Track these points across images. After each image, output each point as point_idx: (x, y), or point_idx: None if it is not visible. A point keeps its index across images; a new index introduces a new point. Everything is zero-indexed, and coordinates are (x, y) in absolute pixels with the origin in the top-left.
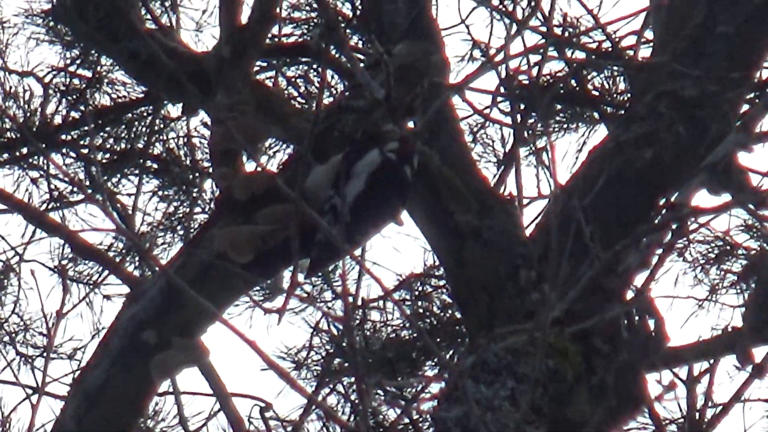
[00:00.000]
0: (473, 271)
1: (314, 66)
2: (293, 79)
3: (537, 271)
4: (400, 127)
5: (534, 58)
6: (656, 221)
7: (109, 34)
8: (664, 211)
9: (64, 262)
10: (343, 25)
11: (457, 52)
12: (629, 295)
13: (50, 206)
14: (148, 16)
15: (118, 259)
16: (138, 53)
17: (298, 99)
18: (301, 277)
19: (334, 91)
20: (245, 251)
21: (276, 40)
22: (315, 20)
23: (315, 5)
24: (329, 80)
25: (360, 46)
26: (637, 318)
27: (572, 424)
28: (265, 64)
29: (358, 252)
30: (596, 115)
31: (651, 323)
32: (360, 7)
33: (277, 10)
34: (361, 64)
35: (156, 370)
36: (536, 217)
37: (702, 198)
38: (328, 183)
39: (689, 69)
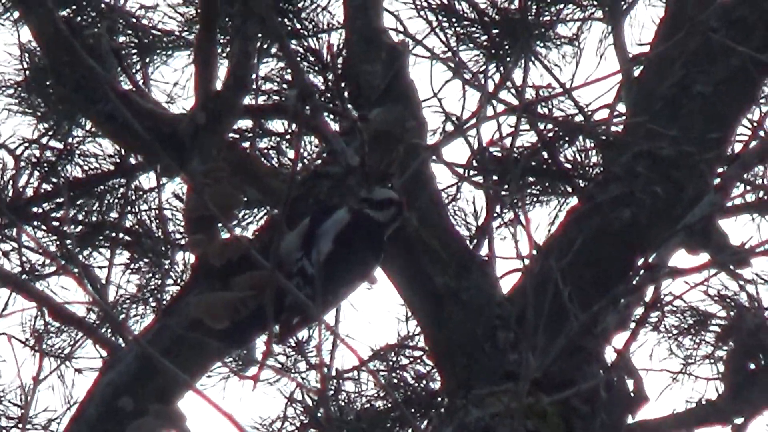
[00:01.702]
0: (451, 332)
1: (287, 134)
2: (266, 150)
3: (515, 331)
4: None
5: (506, 130)
6: (634, 282)
7: (86, 96)
8: (642, 272)
9: (39, 332)
10: (318, 90)
11: (431, 125)
12: (608, 355)
13: (23, 279)
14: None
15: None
16: (114, 116)
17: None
18: (274, 344)
19: (310, 156)
20: (221, 318)
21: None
22: (288, 90)
23: (288, 77)
24: (304, 145)
25: (335, 111)
26: (615, 378)
27: None
28: (238, 135)
29: (332, 322)
30: (568, 188)
31: (629, 384)
32: (336, 72)
33: (252, 78)
34: (336, 130)
35: None
36: (514, 278)
37: (680, 258)
38: (297, 245)
39: (666, 129)
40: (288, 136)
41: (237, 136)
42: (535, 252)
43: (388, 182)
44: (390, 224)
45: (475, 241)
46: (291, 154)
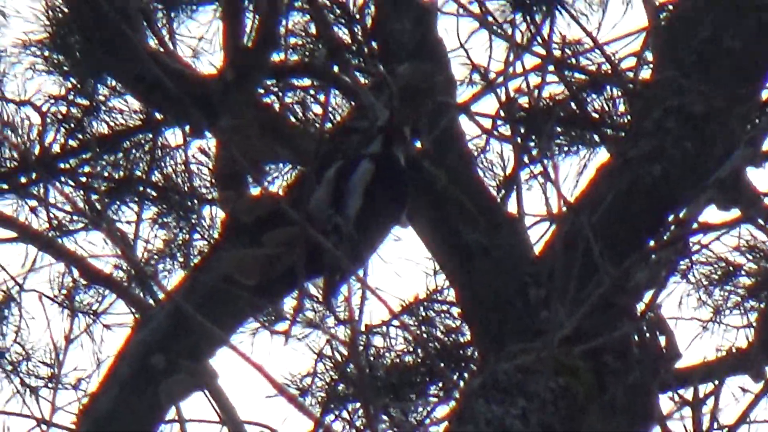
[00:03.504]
0: (482, 289)
1: (317, 88)
2: (292, 104)
3: (546, 288)
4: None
5: (534, 81)
6: (665, 237)
7: (114, 56)
8: (673, 227)
9: (65, 291)
10: (346, 46)
11: (457, 76)
12: (639, 311)
13: (50, 235)
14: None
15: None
16: (143, 76)
17: (300, 122)
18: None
19: (339, 112)
20: (252, 274)
21: (279, 62)
22: (316, 46)
23: (318, 30)
24: (333, 101)
25: (364, 66)
26: (647, 334)
27: None
28: (266, 89)
29: (361, 276)
30: (596, 137)
31: (662, 339)
32: (365, 29)
33: (280, 33)
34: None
35: (165, 394)
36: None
37: (711, 213)
38: (326, 201)
39: (696, 84)
40: (312, 91)
41: (262, 91)
42: (565, 208)
43: (416, 137)
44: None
45: (503, 192)
46: (316, 108)
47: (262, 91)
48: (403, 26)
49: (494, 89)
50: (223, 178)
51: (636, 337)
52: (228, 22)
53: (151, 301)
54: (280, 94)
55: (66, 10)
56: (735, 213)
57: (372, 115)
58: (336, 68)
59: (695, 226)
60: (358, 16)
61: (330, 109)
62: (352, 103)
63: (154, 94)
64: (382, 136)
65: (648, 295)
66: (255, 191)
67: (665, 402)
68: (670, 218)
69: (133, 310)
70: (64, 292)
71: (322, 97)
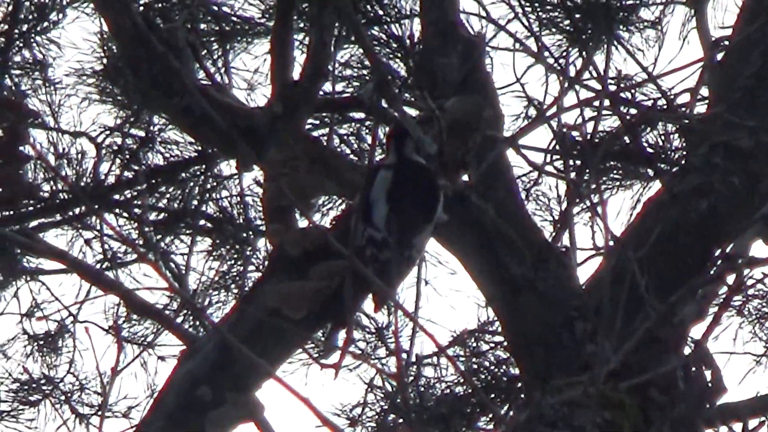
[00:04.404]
0: (528, 323)
1: (366, 122)
2: (346, 136)
3: (592, 323)
4: (452, 181)
5: (588, 114)
6: (712, 272)
7: (163, 90)
8: (719, 262)
9: (118, 321)
10: (394, 80)
11: (513, 111)
12: (685, 346)
13: (103, 266)
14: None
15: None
16: (191, 109)
17: (351, 155)
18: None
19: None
20: (299, 307)
21: (328, 96)
22: (366, 77)
23: (366, 62)
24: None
25: (412, 101)
26: (693, 369)
27: None
28: (318, 122)
29: (411, 309)
30: (650, 172)
31: (708, 374)
32: (413, 63)
33: (329, 67)
34: (414, 120)
35: (211, 426)
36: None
37: (758, 249)
38: (358, 221)
39: (743, 119)
40: (367, 123)
41: (317, 123)
42: (612, 243)
43: (464, 172)
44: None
45: (557, 228)
46: (369, 139)
47: (315, 123)
48: (450, 61)
49: (547, 122)
50: (271, 211)
51: (682, 372)
52: (276, 54)
53: (199, 333)
54: (331, 126)
55: (117, 43)
56: None
57: (421, 149)
58: (384, 102)
59: (743, 260)
60: (410, 50)
61: (378, 143)
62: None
63: (202, 127)
64: (393, 144)
65: (694, 330)
66: (303, 224)
67: None
68: (717, 253)
69: (181, 343)
70: (114, 324)
71: (369, 134)
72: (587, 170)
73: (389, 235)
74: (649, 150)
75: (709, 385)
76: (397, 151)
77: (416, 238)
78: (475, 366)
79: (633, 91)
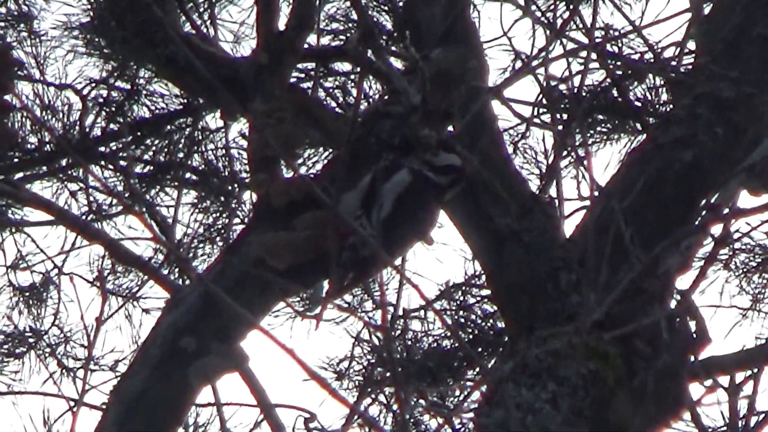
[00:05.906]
0: (513, 274)
1: (351, 74)
2: (331, 89)
3: (577, 273)
4: (437, 132)
5: (575, 68)
6: (696, 223)
7: (147, 40)
8: (704, 213)
9: (103, 273)
10: (379, 31)
11: (500, 64)
12: (670, 297)
13: (89, 218)
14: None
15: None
16: (175, 59)
17: (336, 108)
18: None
19: (372, 97)
20: (283, 258)
21: (313, 47)
22: (352, 30)
23: (352, 15)
24: (366, 87)
25: (397, 51)
26: (678, 320)
27: (613, 427)
28: (303, 75)
29: (398, 262)
30: (638, 125)
31: (692, 325)
32: (396, 14)
33: (315, 17)
34: (398, 70)
35: (195, 376)
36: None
37: (742, 199)
38: (357, 202)
39: (726, 71)
40: (352, 76)
41: (302, 75)
42: (596, 193)
43: (449, 122)
44: (450, 189)
45: (544, 181)
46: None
47: (301, 76)
48: (433, 11)
49: (532, 72)
50: (255, 162)
51: (666, 323)
52: (262, 5)
53: (184, 283)
54: (316, 78)
55: None
56: (766, 198)
57: (405, 99)
58: (369, 53)
59: (727, 211)
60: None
61: (364, 94)
62: (385, 88)
63: (186, 77)
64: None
65: (679, 281)
66: (287, 175)
67: (698, 388)
68: (701, 204)
69: (166, 294)
70: (99, 275)
71: (354, 87)
72: (574, 123)
73: (378, 236)
74: (637, 103)
75: (694, 335)
76: (424, 162)
77: (399, 250)
78: (462, 319)
79: (620, 43)
